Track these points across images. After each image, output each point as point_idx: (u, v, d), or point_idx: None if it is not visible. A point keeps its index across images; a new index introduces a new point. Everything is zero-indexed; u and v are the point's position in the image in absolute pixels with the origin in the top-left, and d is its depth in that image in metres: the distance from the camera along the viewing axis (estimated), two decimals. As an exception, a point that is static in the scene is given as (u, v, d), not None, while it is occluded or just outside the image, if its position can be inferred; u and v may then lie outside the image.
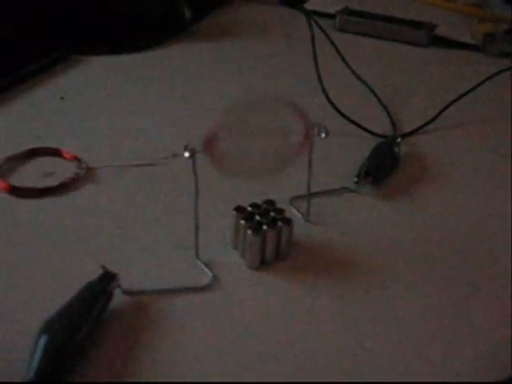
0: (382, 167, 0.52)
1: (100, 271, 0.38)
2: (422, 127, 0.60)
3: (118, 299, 0.38)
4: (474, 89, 0.63)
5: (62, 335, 0.33)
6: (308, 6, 0.88)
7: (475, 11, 0.87)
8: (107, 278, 0.38)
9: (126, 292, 0.39)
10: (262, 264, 0.42)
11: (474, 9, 0.88)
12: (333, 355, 0.36)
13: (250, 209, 0.42)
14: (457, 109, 0.62)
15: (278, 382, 0.35)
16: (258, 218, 0.41)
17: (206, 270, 0.41)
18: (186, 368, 0.35)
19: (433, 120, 0.60)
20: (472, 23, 0.85)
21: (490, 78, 0.64)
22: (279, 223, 0.41)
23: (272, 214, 0.42)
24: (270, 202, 0.43)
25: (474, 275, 0.43)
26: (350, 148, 0.56)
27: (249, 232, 0.40)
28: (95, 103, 0.61)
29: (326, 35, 0.70)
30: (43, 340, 0.33)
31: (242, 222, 0.41)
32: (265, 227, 0.41)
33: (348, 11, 0.85)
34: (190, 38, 0.77)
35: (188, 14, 0.80)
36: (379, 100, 0.64)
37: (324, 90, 0.60)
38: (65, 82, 0.64)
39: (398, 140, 0.55)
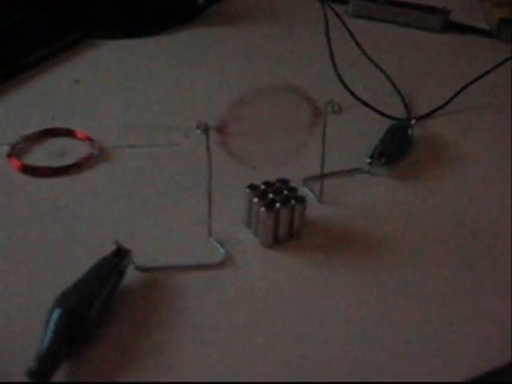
0: (396, 149, 0.51)
1: (113, 247, 0.38)
2: (435, 110, 0.59)
3: (131, 275, 0.38)
4: (487, 73, 0.62)
5: (76, 309, 0.34)
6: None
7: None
8: (120, 254, 0.38)
9: (139, 268, 0.39)
10: (275, 242, 0.42)
11: (488, -6, 0.86)
12: (344, 333, 0.36)
13: (263, 187, 0.42)
14: (470, 93, 0.61)
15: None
16: (271, 196, 0.41)
17: (219, 247, 0.41)
18: (198, 343, 0.35)
19: (447, 103, 0.60)
20: (486, 8, 0.84)
21: (503, 62, 0.64)
22: (292, 201, 0.41)
23: (285, 192, 0.42)
24: (284, 181, 0.43)
25: (485, 257, 0.43)
26: (363, 130, 0.55)
27: (262, 209, 0.40)
28: (108, 86, 0.61)
29: (341, 20, 0.69)
30: (57, 313, 0.33)
31: (255, 199, 0.41)
32: (278, 205, 0.41)
33: (361, -4, 0.84)
34: (203, 23, 0.77)
35: (201, -1, 0.79)
36: (393, 84, 0.63)
37: (338, 74, 0.59)
38: (79, 65, 0.64)
39: (412, 122, 0.55)
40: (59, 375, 0.32)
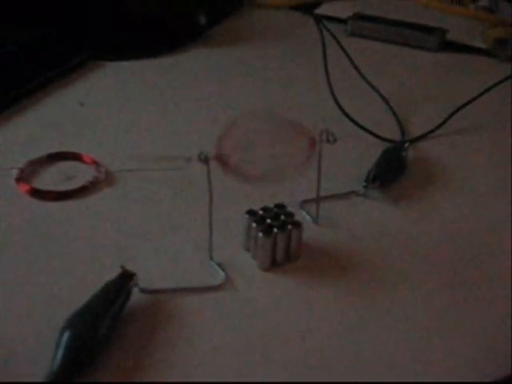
0: (390, 172, 0.53)
1: (119, 271, 0.40)
2: (430, 132, 0.61)
3: (136, 297, 0.40)
4: (483, 94, 0.64)
5: (84, 331, 0.35)
6: (320, 11, 0.89)
7: (486, 16, 0.88)
8: (126, 277, 0.40)
9: (143, 290, 0.41)
10: (273, 265, 0.44)
11: (484, 14, 0.88)
12: (340, 356, 0.38)
13: (261, 212, 0.44)
14: (466, 114, 0.63)
15: (283, 383, 0.36)
16: (268, 221, 0.43)
17: (219, 270, 0.43)
18: (199, 362, 0.37)
19: (441, 125, 0.61)
20: (483, 28, 0.85)
21: (499, 83, 0.65)
22: (289, 226, 0.43)
23: (282, 217, 0.44)
24: (281, 206, 0.45)
25: (480, 280, 0.44)
26: (358, 153, 0.57)
27: (260, 234, 0.42)
28: (114, 108, 0.63)
29: (336, 40, 0.71)
30: (66, 336, 0.35)
31: (254, 224, 0.43)
32: (275, 230, 0.43)
33: (360, 16, 0.86)
34: (205, 44, 0.79)
35: (203, 20, 0.82)
36: (388, 105, 0.65)
37: (333, 95, 0.61)
38: (84, 88, 0.66)
39: (406, 145, 0.57)
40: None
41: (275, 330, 0.39)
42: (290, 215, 0.44)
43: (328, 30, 0.73)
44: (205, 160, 0.40)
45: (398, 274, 0.44)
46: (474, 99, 0.63)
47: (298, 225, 0.43)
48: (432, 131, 0.61)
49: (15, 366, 0.36)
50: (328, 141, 0.43)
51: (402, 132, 0.61)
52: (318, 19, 0.75)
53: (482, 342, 0.39)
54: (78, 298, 0.37)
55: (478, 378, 0.37)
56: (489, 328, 0.40)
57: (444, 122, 0.62)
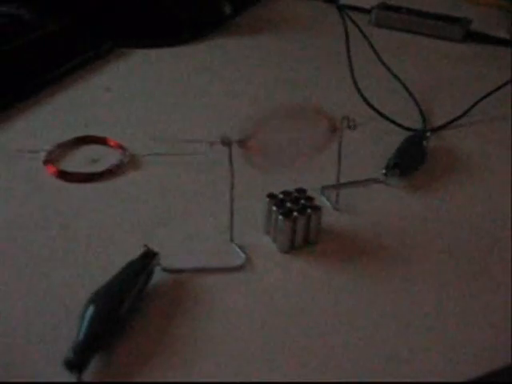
0: (411, 160, 0.53)
1: (142, 250, 0.41)
2: (451, 122, 0.61)
3: (158, 276, 0.41)
4: (506, 84, 0.64)
5: (107, 306, 0.37)
6: (345, 1, 0.90)
7: (511, 6, 0.87)
8: (148, 256, 0.41)
9: (165, 270, 0.42)
10: (292, 248, 0.45)
11: (509, 4, 0.88)
12: (356, 338, 0.39)
13: (281, 196, 0.45)
14: (488, 104, 0.63)
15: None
16: (289, 204, 0.44)
17: (240, 251, 0.44)
18: (219, 340, 0.38)
19: (463, 115, 0.62)
20: (508, 18, 0.85)
21: (522, 73, 0.65)
22: (308, 210, 0.44)
23: (302, 201, 0.44)
24: (301, 191, 0.45)
25: (499, 270, 0.44)
26: (380, 140, 0.58)
27: (280, 218, 0.43)
28: (139, 94, 0.64)
29: (360, 30, 0.71)
30: (90, 310, 0.36)
31: (274, 208, 0.44)
32: (295, 213, 0.43)
33: (384, 6, 0.87)
34: (229, 33, 0.80)
35: (228, 9, 0.82)
36: (410, 94, 0.65)
37: (356, 85, 0.62)
38: (110, 74, 0.68)
39: (428, 134, 0.57)
40: (93, 365, 0.35)
41: (292, 311, 0.40)
42: (310, 199, 0.45)
43: (351, 20, 0.73)
44: (227, 143, 0.41)
45: (416, 262, 0.45)
46: (497, 89, 0.63)
47: (317, 209, 0.44)
48: (454, 120, 0.61)
49: (44, 339, 0.37)
50: (349, 127, 0.44)
51: (424, 121, 0.61)
52: (341, 8, 0.75)
53: (498, 331, 0.40)
54: (103, 276, 0.39)
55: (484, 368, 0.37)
56: (503, 317, 0.41)
57: (466, 112, 0.62)
